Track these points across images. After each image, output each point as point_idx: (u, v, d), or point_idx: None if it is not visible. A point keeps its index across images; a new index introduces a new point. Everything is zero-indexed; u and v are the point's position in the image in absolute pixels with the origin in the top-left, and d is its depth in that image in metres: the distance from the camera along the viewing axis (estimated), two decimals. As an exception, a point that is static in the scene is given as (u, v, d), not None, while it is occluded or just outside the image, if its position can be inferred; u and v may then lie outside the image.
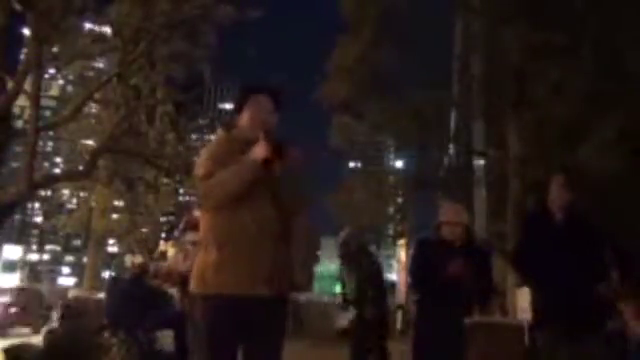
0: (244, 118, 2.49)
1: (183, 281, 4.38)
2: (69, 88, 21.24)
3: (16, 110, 13.19)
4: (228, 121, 2.64)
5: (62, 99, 21.10)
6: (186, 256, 4.54)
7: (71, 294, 22.03)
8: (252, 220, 2.34)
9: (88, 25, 16.16)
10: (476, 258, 3.54)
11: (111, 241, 37.37)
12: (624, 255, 3.27)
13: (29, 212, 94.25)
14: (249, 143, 2.38)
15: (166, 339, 5.70)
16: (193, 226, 4.23)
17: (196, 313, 2.39)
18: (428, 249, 3.74)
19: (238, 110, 2.54)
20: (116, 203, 25.48)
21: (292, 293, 2.56)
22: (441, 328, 3.44)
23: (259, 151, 2.31)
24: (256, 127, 2.41)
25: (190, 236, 4.38)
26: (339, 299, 5.66)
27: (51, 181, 16.97)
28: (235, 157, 2.36)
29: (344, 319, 4.07)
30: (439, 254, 3.52)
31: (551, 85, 11.07)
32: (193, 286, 2.42)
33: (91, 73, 18.30)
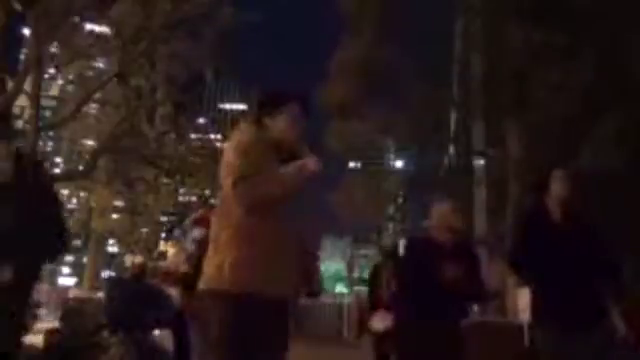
0: (278, 123, 2.53)
1: (184, 281, 4.36)
2: (69, 88, 21.25)
3: (16, 110, 13.18)
4: (255, 120, 2.61)
5: (62, 99, 21.11)
6: (188, 256, 4.51)
7: (71, 294, 22.02)
8: (280, 223, 2.40)
9: (88, 25, 16.16)
10: (466, 259, 3.52)
11: (111, 241, 37.41)
12: (611, 260, 3.26)
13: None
14: (281, 147, 2.48)
15: (165, 339, 5.70)
16: (201, 222, 4.21)
17: (215, 310, 2.36)
18: (418, 250, 3.72)
19: (269, 113, 2.56)
20: (116, 203, 25.50)
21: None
22: (434, 331, 3.42)
23: (315, 165, 2.41)
24: (291, 134, 2.51)
25: (197, 232, 4.35)
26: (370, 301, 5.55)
27: (51, 181, 16.92)
28: (270, 158, 2.42)
29: (380, 323, 3.98)
30: (429, 255, 3.51)
31: (551, 85, 11.08)
32: (214, 283, 2.39)
33: (91, 73, 18.29)
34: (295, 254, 2.44)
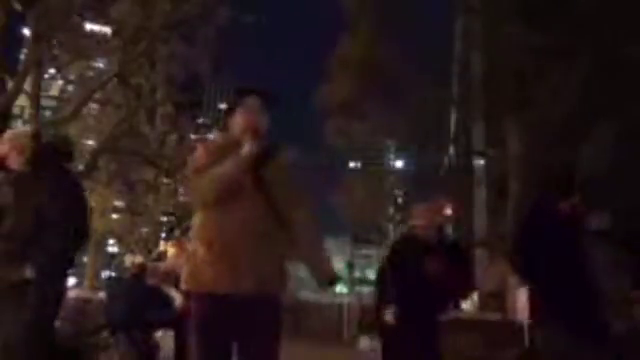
0: (236, 120, 2.56)
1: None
2: (69, 88, 21.26)
3: (16, 110, 13.18)
4: (223, 123, 2.68)
5: (62, 99, 21.10)
6: (189, 256, 4.52)
7: (71, 294, 21.99)
8: (237, 220, 2.38)
9: (88, 25, 16.17)
10: (451, 255, 3.59)
11: (111, 241, 37.38)
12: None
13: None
14: (240, 144, 2.46)
15: (165, 339, 5.70)
16: None
17: (191, 310, 2.45)
18: (405, 249, 3.76)
19: (230, 113, 2.61)
20: (116, 203, 25.49)
21: (288, 293, 2.58)
22: (414, 325, 3.48)
23: (245, 148, 2.40)
24: (247, 129, 2.48)
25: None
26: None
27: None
28: (221, 157, 2.43)
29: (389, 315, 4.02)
30: (416, 253, 3.57)
31: (551, 85, 11.07)
32: (183, 283, 2.47)
33: (91, 73, 18.29)
34: (256, 249, 2.37)
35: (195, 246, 2.45)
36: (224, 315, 2.34)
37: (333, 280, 2.52)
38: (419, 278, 3.48)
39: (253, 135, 2.43)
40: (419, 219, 3.74)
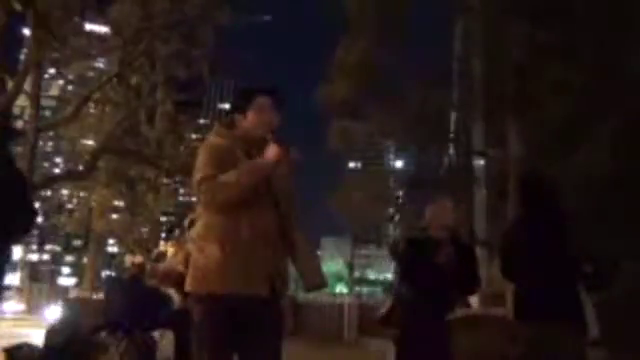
0: (248, 119, 2.51)
1: (182, 282, 4.37)
2: (69, 88, 21.26)
3: (16, 110, 13.20)
4: (227, 121, 2.62)
5: (62, 99, 21.09)
6: (186, 256, 4.51)
7: (71, 294, 22.00)
8: (251, 221, 2.36)
9: (88, 25, 16.18)
10: (461, 253, 3.62)
11: (111, 241, 37.41)
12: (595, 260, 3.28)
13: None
14: (252, 143, 2.44)
15: (165, 339, 5.69)
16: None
17: (194, 312, 2.42)
18: (416, 247, 3.78)
19: (238, 110, 2.56)
20: (116, 203, 25.49)
21: (289, 293, 2.59)
22: (425, 324, 3.50)
23: (274, 153, 2.37)
24: (261, 128, 2.46)
25: (194, 232, 4.36)
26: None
27: (51, 181, 16.97)
28: (237, 156, 2.40)
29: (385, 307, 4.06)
30: (428, 250, 3.59)
31: (551, 85, 11.07)
32: (188, 285, 2.44)
33: (91, 73, 18.31)
34: (267, 251, 2.37)
35: (202, 247, 2.41)
36: (231, 316, 2.33)
37: (321, 287, 2.57)
38: (433, 276, 3.50)
39: (274, 138, 2.41)
40: (432, 219, 3.75)
